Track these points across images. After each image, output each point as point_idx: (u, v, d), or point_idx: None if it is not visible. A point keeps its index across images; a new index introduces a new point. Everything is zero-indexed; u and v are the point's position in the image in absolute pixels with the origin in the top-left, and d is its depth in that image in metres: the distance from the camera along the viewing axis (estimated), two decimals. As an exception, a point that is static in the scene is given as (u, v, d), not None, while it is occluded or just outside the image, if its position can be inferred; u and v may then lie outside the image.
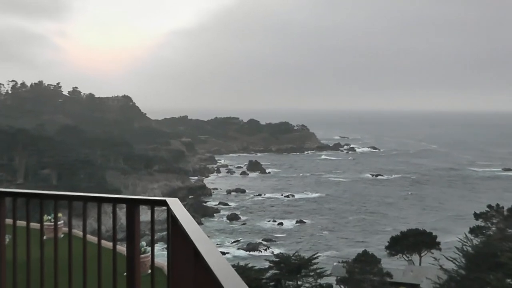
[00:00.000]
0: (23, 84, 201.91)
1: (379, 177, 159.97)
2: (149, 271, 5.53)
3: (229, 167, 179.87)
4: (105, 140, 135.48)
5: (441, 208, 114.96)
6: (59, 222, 6.18)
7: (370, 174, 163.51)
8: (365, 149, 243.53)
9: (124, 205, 5.55)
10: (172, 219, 4.67)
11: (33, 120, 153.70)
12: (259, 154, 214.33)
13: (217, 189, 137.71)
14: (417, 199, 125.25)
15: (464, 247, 39.55)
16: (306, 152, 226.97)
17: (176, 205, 4.86)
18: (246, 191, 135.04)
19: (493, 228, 54.47)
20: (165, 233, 5.14)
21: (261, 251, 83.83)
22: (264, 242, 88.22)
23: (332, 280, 51.07)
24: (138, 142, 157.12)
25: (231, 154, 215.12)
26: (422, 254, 57.80)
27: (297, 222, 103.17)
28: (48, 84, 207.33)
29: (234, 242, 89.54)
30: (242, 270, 41.15)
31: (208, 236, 4.01)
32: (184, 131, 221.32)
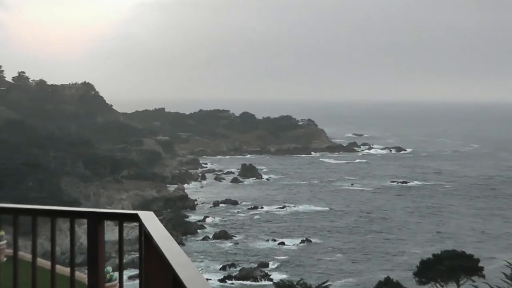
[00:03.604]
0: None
1: (405, 184, 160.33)
2: (117, 303, 5.52)
3: (217, 172, 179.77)
4: (60, 138, 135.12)
5: (483, 226, 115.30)
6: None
7: (394, 182, 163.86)
8: (386, 151, 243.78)
9: (85, 221, 5.53)
10: (145, 237, 4.65)
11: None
12: (254, 156, 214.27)
13: (201, 200, 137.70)
14: (453, 214, 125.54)
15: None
16: (313, 153, 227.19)
17: (150, 220, 4.84)
18: (239, 202, 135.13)
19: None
20: (136, 255, 5.13)
21: (257, 279, 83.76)
22: (261, 268, 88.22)
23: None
24: (102, 141, 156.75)
25: (219, 156, 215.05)
26: (460, 282, 57.88)
27: (302, 241, 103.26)
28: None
29: (223, 267, 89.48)
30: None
31: (191, 259, 3.99)
32: (160, 127, 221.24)
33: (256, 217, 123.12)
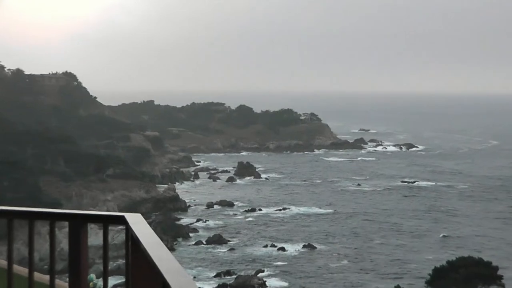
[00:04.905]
0: None
1: (416, 184, 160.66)
2: (101, 314, 5.53)
3: (211, 171, 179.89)
4: (39, 133, 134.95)
5: (501, 232, 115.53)
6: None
7: (405, 182, 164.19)
8: (396, 148, 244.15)
9: (66, 224, 5.52)
10: (132, 242, 4.66)
11: None
12: (252, 154, 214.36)
13: (194, 201, 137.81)
14: (468, 217, 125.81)
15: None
16: (316, 150, 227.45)
17: (138, 223, 4.85)
18: (235, 204, 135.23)
19: None
20: (122, 261, 5.14)
21: None
22: (259, 276, 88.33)
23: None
24: (85, 137, 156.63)
25: (213, 154, 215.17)
26: (477, 292, 58.05)
27: (304, 246, 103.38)
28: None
29: (218, 275, 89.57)
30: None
31: (182, 266, 3.99)
32: (149, 121, 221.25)
33: (253, 219, 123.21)
